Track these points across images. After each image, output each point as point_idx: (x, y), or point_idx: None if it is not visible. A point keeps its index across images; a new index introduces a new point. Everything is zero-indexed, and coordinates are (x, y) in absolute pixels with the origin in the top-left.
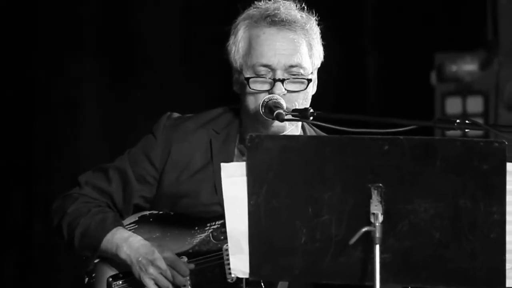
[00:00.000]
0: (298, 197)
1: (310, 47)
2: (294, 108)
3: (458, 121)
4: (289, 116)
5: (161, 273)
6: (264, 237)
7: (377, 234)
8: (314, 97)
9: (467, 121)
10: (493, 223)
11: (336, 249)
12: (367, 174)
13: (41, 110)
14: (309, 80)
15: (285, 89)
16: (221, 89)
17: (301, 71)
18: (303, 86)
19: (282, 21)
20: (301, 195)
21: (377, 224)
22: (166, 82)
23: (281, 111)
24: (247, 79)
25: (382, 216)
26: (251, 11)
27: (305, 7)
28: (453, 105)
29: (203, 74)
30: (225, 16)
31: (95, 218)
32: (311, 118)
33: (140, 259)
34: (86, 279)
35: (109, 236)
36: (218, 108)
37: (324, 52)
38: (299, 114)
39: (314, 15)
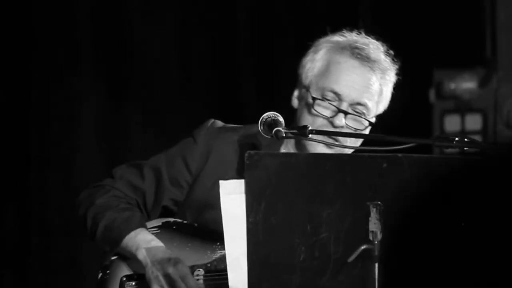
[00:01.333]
0: (297, 214)
1: (381, 92)
2: (295, 126)
3: (457, 139)
4: (288, 134)
5: (170, 284)
6: (262, 254)
7: (376, 252)
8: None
9: (466, 139)
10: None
11: (335, 267)
12: (366, 192)
13: (37, 124)
14: (370, 123)
15: (346, 123)
16: (218, 104)
17: (365, 111)
18: (362, 126)
19: (367, 57)
20: (300, 212)
21: (376, 242)
22: (163, 97)
23: (279, 128)
24: (314, 98)
25: (381, 234)
26: (338, 37)
27: (392, 53)
28: (452, 123)
29: (201, 88)
30: (221, 30)
31: (122, 214)
32: (310, 135)
33: (155, 264)
34: (100, 274)
35: (132, 234)
36: None
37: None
38: (297, 132)
39: (397, 63)
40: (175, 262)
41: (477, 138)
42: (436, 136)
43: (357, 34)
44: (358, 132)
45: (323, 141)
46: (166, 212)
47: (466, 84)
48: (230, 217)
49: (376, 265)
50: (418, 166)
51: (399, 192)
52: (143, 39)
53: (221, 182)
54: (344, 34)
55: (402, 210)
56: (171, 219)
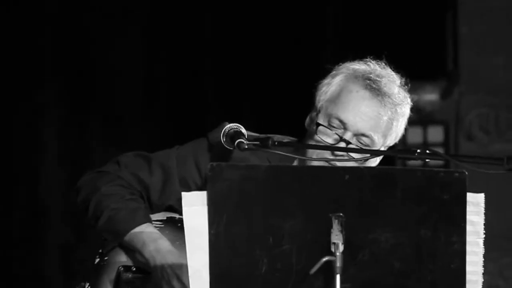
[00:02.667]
0: (258, 226)
1: (390, 126)
2: (257, 137)
3: (418, 151)
4: (250, 146)
5: None
6: (224, 266)
7: (338, 264)
8: (275, 125)
9: (427, 151)
10: (454, 253)
11: (297, 279)
12: (328, 204)
13: (1, 137)
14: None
15: (348, 153)
16: (181, 119)
17: (369, 143)
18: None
19: (379, 90)
20: (262, 224)
21: (337, 253)
22: (126, 111)
23: (242, 140)
24: (319, 124)
25: (343, 245)
26: (357, 65)
27: (408, 85)
28: (413, 135)
29: (164, 103)
30: (185, 44)
31: (128, 205)
32: (272, 147)
33: (166, 267)
34: (97, 260)
35: (137, 229)
36: (287, 137)
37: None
38: (260, 144)
39: (411, 96)
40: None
41: (439, 150)
42: (398, 148)
43: (378, 63)
44: (358, 162)
45: (286, 154)
46: (170, 209)
47: (428, 96)
48: (192, 228)
49: (338, 276)
50: (380, 178)
51: (361, 204)
52: (106, 52)
53: (183, 193)
54: (366, 62)
55: (364, 222)
56: (177, 216)
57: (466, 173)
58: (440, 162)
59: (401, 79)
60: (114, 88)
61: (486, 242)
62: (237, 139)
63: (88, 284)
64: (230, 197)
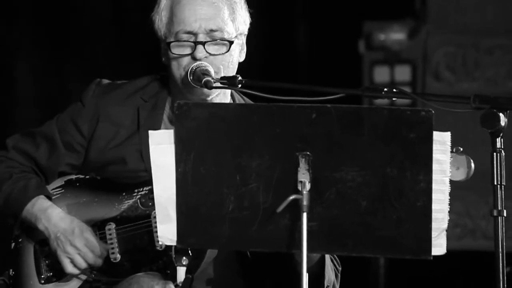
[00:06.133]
0: (226, 165)
1: (232, 11)
2: (221, 74)
3: (385, 89)
4: (217, 84)
5: (79, 254)
6: (191, 205)
7: (305, 202)
8: (243, 64)
9: (394, 90)
10: (420, 191)
11: (264, 217)
12: (295, 142)
13: None
14: (231, 42)
15: (207, 51)
16: (157, 59)
17: (223, 35)
18: (225, 48)
19: None
20: (229, 163)
21: (304, 192)
22: (102, 51)
23: (209, 78)
24: (168, 44)
25: (310, 184)
26: None
27: None
28: (381, 74)
29: (140, 43)
30: None
31: (17, 184)
32: (239, 85)
33: (58, 235)
34: (13, 244)
35: (29, 206)
36: (148, 76)
37: (252, 19)
38: (227, 82)
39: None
40: (81, 231)
41: (406, 89)
42: (365, 86)
43: None
44: (225, 54)
45: (253, 93)
46: (63, 175)
47: (396, 35)
48: (159, 167)
49: (305, 215)
50: (347, 117)
51: (328, 142)
52: None
53: (150, 132)
54: None
55: (331, 161)
56: (73, 176)
57: (433, 111)
58: (407, 101)
59: None
60: (90, 26)
61: (453, 181)
62: (204, 78)
63: (12, 270)
64: (198, 136)
